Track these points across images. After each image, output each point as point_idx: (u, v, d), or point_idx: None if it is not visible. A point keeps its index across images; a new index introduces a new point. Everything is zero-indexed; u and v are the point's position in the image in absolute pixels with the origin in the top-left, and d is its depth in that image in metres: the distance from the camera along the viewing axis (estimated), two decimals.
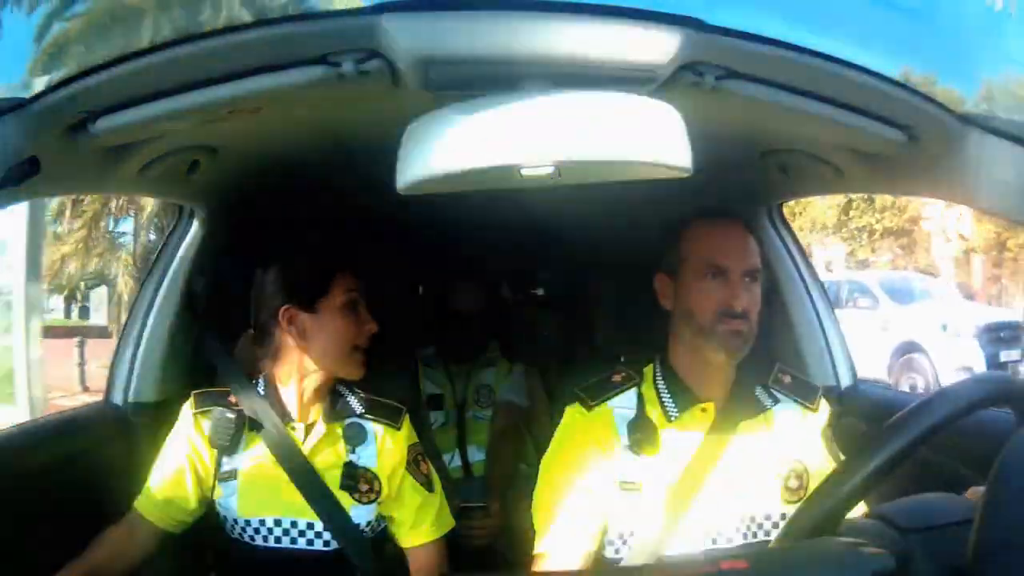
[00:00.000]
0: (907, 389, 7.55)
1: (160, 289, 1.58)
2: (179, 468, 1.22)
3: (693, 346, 1.12)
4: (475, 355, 2.12)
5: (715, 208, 1.17)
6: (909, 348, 8.23)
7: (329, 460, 1.22)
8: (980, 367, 7.64)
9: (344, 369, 1.24)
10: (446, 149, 0.83)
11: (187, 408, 1.25)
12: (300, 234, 1.66)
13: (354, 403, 1.27)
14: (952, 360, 7.74)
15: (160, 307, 1.58)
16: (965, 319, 8.24)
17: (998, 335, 8.10)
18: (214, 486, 1.22)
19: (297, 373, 1.23)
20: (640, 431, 1.10)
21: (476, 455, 2.08)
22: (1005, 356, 8.03)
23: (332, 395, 1.26)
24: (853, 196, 13.65)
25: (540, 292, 2.82)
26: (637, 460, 1.09)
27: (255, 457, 1.22)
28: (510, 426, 2.06)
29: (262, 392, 1.25)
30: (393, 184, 0.89)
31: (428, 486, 1.29)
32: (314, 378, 1.23)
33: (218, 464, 1.22)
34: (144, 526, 1.21)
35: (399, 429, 1.27)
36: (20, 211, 7.04)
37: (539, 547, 1.10)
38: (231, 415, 1.21)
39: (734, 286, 1.09)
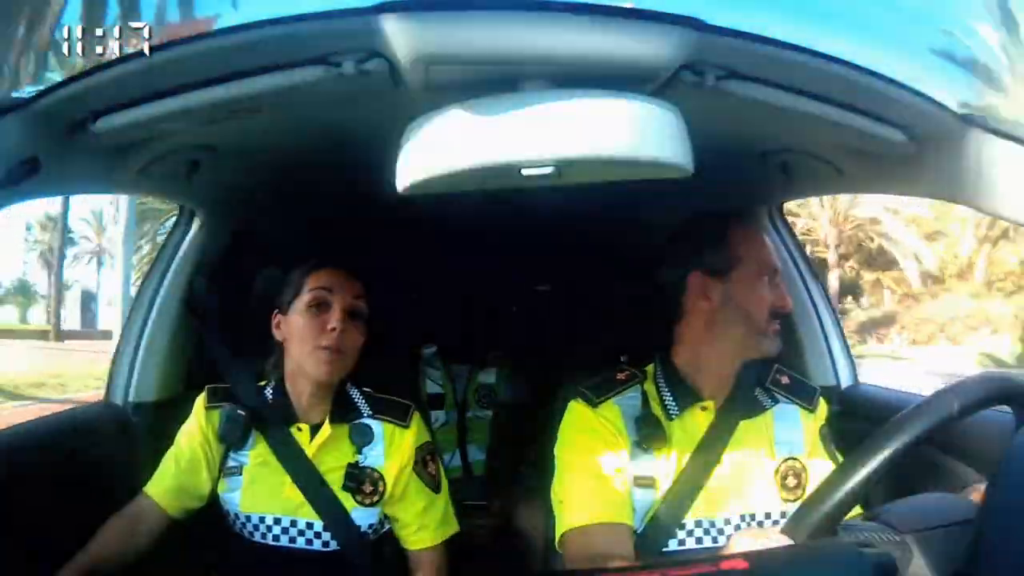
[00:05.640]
0: None
1: (160, 289, 1.58)
2: (193, 456, 1.24)
3: (744, 345, 1.13)
4: (476, 355, 2.12)
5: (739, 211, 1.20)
6: None
7: (334, 461, 1.22)
8: None
9: (309, 368, 1.20)
10: (446, 149, 0.83)
11: (200, 401, 1.27)
12: (290, 236, 1.65)
13: (361, 403, 1.27)
14: None
15: (160, 307, 1.58)
16: None
17: None
18: (219, 479, 1.23)
19: (294, 374, 1.24)
20: (648, 427, 1.10)
21: (476, 455, 2.09)
22: None
23: (339, 396, 1.26)
24: None
25: (541, 291, 2.82)
26: (647, 456, 1.09)
27: (260, 455, 1.23)
28: (510, 425, 2.06)
29: (271, 393, 1.26)
30: (393, 184, 0.89)
31: (435, 487, 1.29)
32: (308, 379, 1.23)
33: (224, 459, 1.23)
34: (153, 512, 1.23)
35: (407, 427, 1.27)
36: None
37: (568, 523, 1.07)
38: (240, 412, 1.22)
39: (780, 287, 1.13)
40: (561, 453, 1.14)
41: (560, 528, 1.09)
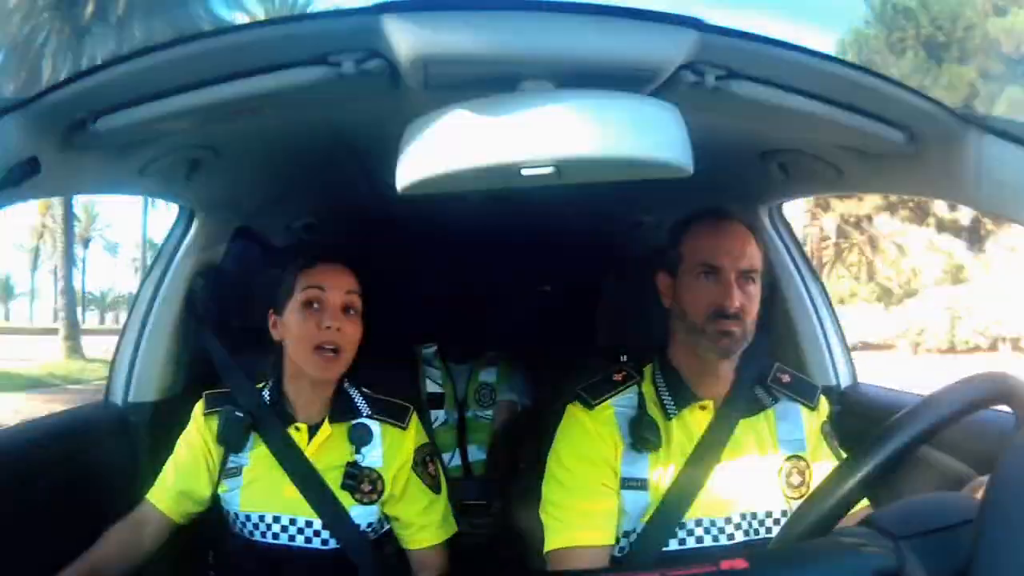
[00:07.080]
0: None
1: (160, 289, 1.58)
2: (194, 461, 1.24)
3: (687, 345, 1.13)
4: (476, 354, 2.12)
5: (714, 209, 1.17)
6: None
7: (333, 460, 1.22)
8: None
9: (308, 368, 1.20)
10: (446, 149, 0.83)
11: (198, 408, 1.27)
12: (290, 236, 1.65)
13: (360, 403, 1.27)
14: None
15: (160, 307, 1.58)
16: None
17: None
18: (219, 481, 1.24)
19: (292, 374, 1.24)
20: (642, 429, 1.09)
21: (476, 454, 2.09)
22: None
23: (339, 395, 1.26)
24: None
25: (542, 290, 2.82)
26: (641, 458, 1.09)
27: (259, 455, 1.23)
28: (510, 425, 2.06)
29: (268, 393, 1.26)
30: (393, 184, 0.89)
31: (435, 488, 1.29)
32: (306, 378, 1.22)
33: (224, 461, 1.24)
34: (155, 517, 1.23)
35: (405, 428, 1.27)
36: None
37: (554, 543, 1.08)
38: (239, 415, 1.22)
39: (727, 286, 1.08)
40: (553, 463, 1.14)
41: (547, 544, 1.09)
